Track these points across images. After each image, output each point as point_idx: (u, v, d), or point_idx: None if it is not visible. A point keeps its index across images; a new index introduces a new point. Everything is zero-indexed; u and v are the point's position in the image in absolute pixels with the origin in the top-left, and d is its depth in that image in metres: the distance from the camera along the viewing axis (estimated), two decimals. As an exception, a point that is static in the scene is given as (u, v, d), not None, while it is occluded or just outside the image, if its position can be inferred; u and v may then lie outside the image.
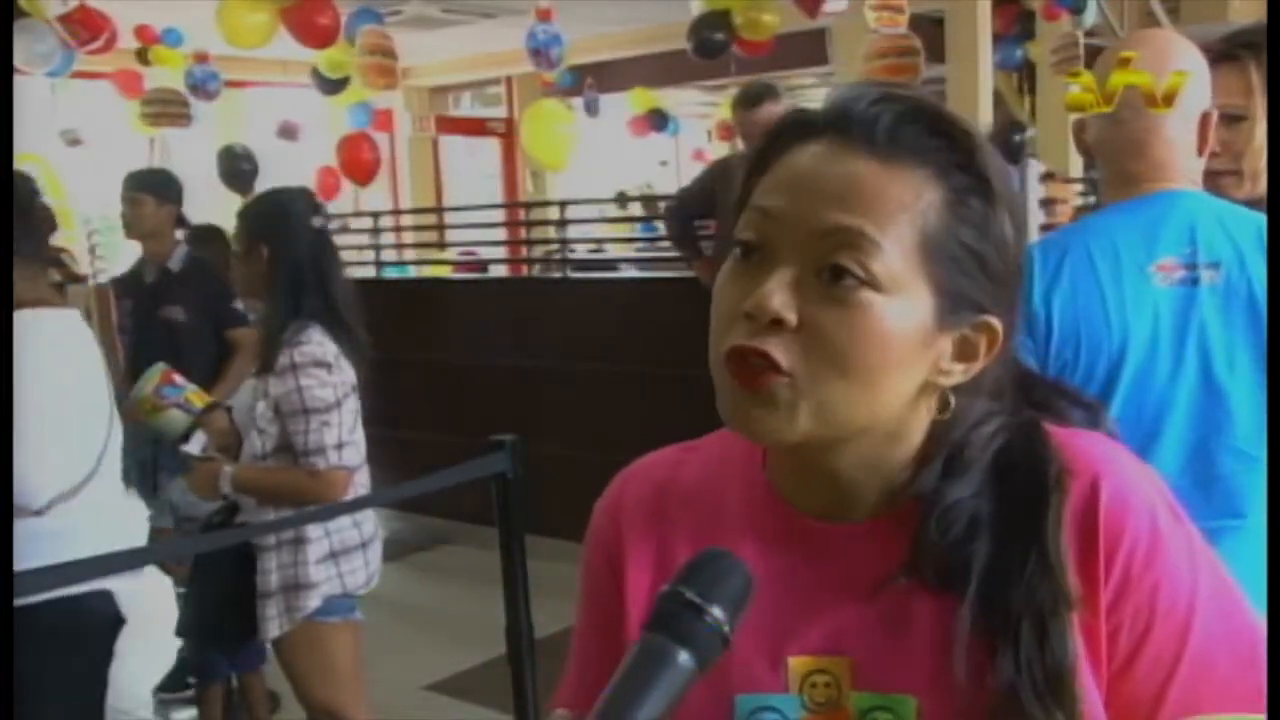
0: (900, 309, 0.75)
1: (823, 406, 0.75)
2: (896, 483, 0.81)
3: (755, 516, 0.85)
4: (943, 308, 0.77)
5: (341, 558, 2.57)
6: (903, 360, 0.76)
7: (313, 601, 2.51)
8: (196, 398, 2.89)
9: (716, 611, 0.68)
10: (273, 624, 2.51)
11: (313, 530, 2.52)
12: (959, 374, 0.79)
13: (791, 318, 0.74)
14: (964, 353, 0.79)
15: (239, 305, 3.92)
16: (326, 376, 2.46)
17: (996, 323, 0.79)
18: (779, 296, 0.74)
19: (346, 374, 2.53)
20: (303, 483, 2.49)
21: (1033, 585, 0.75)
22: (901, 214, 0.75)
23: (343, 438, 2.48)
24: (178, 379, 2.89)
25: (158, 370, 2.88)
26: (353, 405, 2.55)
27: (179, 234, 4.02)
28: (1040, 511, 0.77)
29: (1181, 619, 0.77)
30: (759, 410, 0.76)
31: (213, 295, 3.91)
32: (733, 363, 0.76)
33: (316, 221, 2.62)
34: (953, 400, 0.80)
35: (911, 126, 0.77)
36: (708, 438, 0.93)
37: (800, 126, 0.80)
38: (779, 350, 0.74)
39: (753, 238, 0.78)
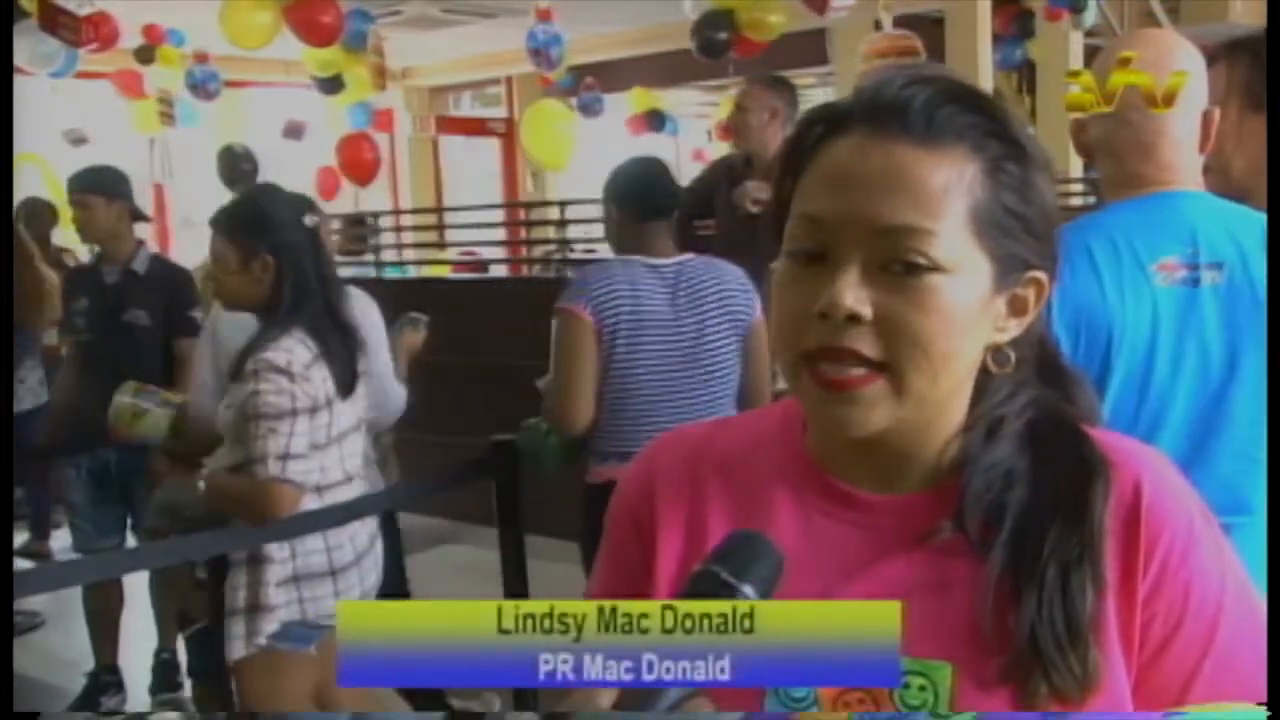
0: (965, 284, 0.78)
1: (912, 392, 0.78)
2: (942, 456, 0.83)
3: (795, 485, 0.87)
4: (998, 272, 0.80)
5: (304, 583, 2.42)
6: (972, 329, 0.79)
7: (269, 625, 2.37)
8: (172, 395, 3.04)
9: (748, 590, 0.70)
10: (237, 644, 2.37)
11: (276, 550, 2.39)
12: (1014, 329, 0.83)
13: (867, 312, 0.76)
14: (1017, 308, 0.83)
15: (197, 315, 3.86)
16: (285, 384, 2.31)
17: (1043, 276, 0.83)
18: (851, 294, 0.76)
19: (315, 386, 2.36)
20: (245, 491, 2.35)
21: (1062, 535, 0.79)
22: (950, 195, 0.77)
23: (292, 449, 2.31)
24: (149, 386, 3.03)
25: (129, 385, 3.02)
26: (323, 420, 2.39)
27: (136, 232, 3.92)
28: (1081, 482, 0.80)
29: (1210, 616, 0.80)
30: (848, 408, 0.78)
31: (177, 301, 3.84)
32: (815, 363, 0.78)
33: (310, 221, 2.51)
34: (1012, 355, 0.83)
35: (945, 106, 0.79)
36: (738, 415, 0.96)
37: (832, 120, 0.81)
38: (864, 344, 0.77)
39: (809, 247, 0.79)
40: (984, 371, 0.83)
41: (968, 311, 0.78)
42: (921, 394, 0.78)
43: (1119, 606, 0.79)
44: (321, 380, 2.37)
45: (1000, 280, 0.80)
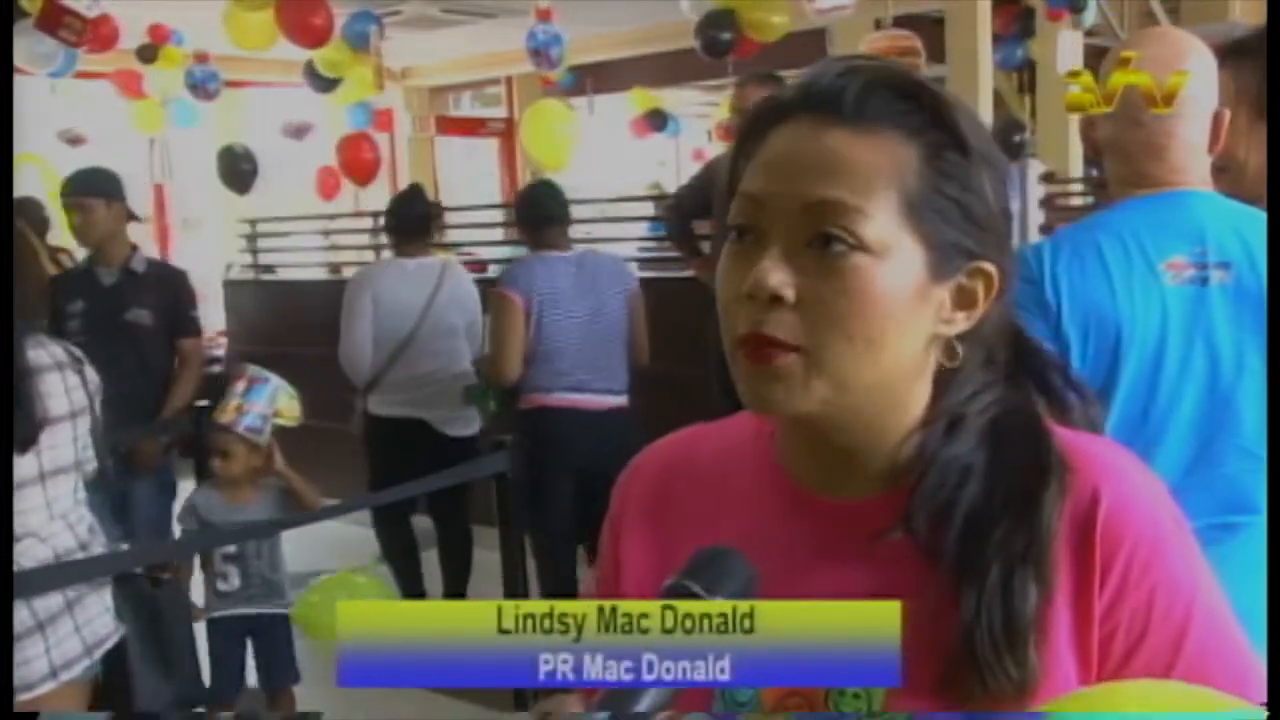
0: (892, 269, 0.77)
1: (833, 373, 0.77)
2: (900, 455, 0.82)
3: (757, 490, 0.88)
4: (934, 260, 0.79)
5: None
6: (903, 317, 0.78)
7: None
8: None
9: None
10: None
11: None
12: (962, 321, 0.82)
13: (789, 293, 0.77)
14: (963, 301, 0.81)
15: (196, 313, 3.88)
16: None
17: (990, 267, 0.81)
18: (775, 275, 0.77)
19: None
20: None
21: (1008, 533, 0.77)
22: (880, 177, 0.77)
23: None
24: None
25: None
26: None
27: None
28: (1036, 480, 0.79)
29: (1177, 626, 0.78)
30: (772, 385, 0.78)
31: (178, 301, 3.85)
32: (744, 346, 0.79)
33: None
34: (960, 349, 0.82)
35: (878, 93, 0.79)
36: (719, 422, 0.95)
37: (774, 110, 0.82)
38: (783, 330, 0.77)
39: (743, 222, 0.80)
40: (946, 367, 0.83)
41: (895, 297, 0.77)
42: (844, 377, 0.77)
43: (1073, 617, 0.77)
44: None
45: (938, 269, 0.79)
